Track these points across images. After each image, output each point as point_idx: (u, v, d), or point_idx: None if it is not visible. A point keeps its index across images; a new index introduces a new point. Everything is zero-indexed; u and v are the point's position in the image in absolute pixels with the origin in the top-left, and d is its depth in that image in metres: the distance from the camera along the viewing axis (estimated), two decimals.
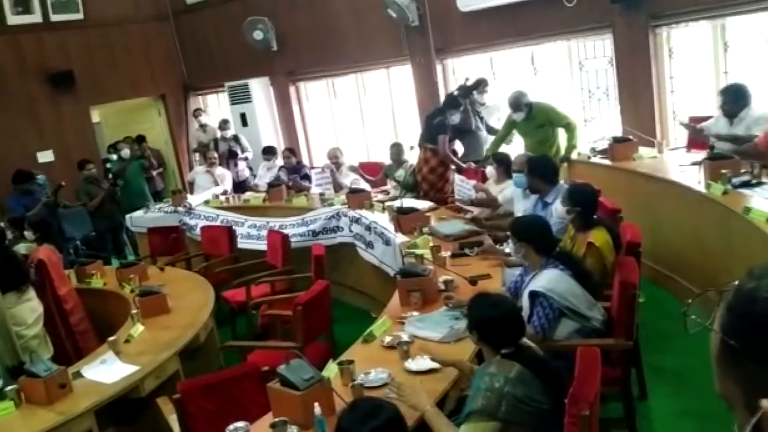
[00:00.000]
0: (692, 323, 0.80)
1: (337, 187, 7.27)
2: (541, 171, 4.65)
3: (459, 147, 7.04)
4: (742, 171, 4.63)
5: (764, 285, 0.68)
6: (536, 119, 6.37)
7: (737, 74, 6.39)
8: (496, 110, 7.33)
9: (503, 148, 6.63)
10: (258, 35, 9.43)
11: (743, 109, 5.17)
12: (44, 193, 8.12)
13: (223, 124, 9.50)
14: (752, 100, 5.20)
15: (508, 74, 7.89)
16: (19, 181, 8.09)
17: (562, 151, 6.39)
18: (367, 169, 7.69)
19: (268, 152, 8.59)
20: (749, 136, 4.95)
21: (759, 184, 4.46)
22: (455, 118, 6.67)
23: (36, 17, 9.60)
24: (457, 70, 8.43)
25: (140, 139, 10.11)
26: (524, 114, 6.36)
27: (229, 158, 9.26)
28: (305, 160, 9.43)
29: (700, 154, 5.23)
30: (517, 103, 6.36)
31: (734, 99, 5.21)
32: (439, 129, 6.55)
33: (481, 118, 7.12)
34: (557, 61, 7.66)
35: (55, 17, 9.75)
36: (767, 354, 0.66)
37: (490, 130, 7.08)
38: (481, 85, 7.19)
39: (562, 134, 6.42)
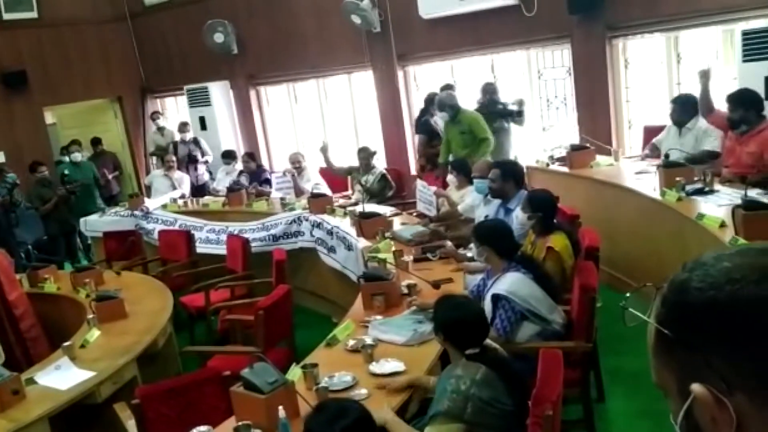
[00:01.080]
0: (630, 316, 0.83)
1: (299, 191, 7.23)
2: (514, 175, 4.70)
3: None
4: (696, 179, 4.76)
5: (696, 276, 0.71)
6: (461, 125, 6.58)
7: (689, 85, 6.58)
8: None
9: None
10: (218, 38, 9.34)
11: (691, 119, 5.35)
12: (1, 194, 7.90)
13: (182, 127, 9.39)
14: (699, 111, 5.40)
15: (468, 82, 7.97)
16: None
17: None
18: (327, 177, 7.68)
19: (228, 156, 8.51)
20: (705, 152, 5.15)
21: (711, 191, 4.61)
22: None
23: None
24: (418, 77, 8.48)
25: (95, 142, 9.91)
26: (447, 115, 6.57)
27: (189, 162, 9.14)
28: (265, 165, 9.36)
29: (655, 162, 5.37)
30: (441, 103, 6.61)
31: (682, 109, 5.40)
32: (421, 128, 6.64)
33: (509, 113, 6.93)
34: (517, 70, 7.78)
35: (7, 15, 9.50)
36: (698, 342, 0.69)
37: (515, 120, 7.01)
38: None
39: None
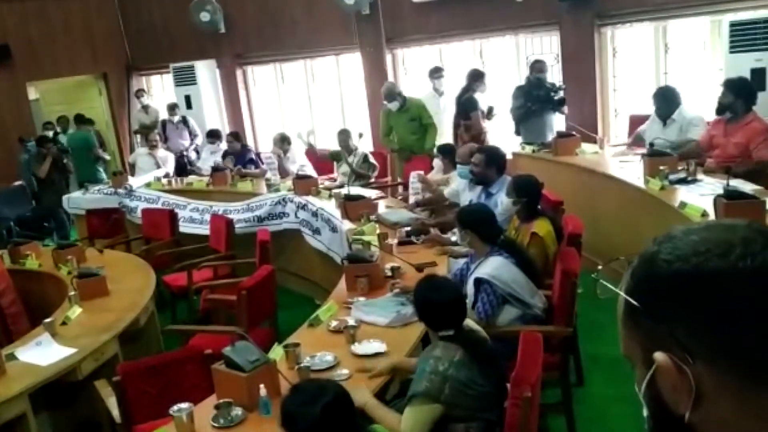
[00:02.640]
0: (602, 287, 0.86)
1: (284, 172, 7.21)
2: (497, 161, 4.70)
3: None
4: (679, 168, 4.81)
5: (664, 249, 0.74)
6: (409, 112, 6.77)
7: (676, 75, 6.63)
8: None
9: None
10: (205, 16, 9.24)
11: (674, 111, 5.39)
12: None
13: (171, 110, 9.25)
14: (682, 101, 5.43)
15: (456, 66, 7.95)
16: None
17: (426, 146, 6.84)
18: (313, 159, 7.67)
19: (213, 135, 8.45)
20: (687, 140, 5.18)
21: (694, 180, 4.66)
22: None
23: None
24: (406, 60, 8.46)
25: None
26: (398, 103, 6.72)
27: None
28: (251, 145, 9.30)
29: (640, 151, 5.41)
30: (391, 93, 6.73)
31: (664, 101, 5.44)
32: (468, 105, 6.63)
33: (550, 100, 6.54)
34: (505, 55, 7.78)
35: None
36: (663, 312, 0.71)
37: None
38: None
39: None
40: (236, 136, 8.21)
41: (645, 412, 0.77)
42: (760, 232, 0.72)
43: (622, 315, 0.78)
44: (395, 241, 4.59)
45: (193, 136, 9.19)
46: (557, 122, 6.70)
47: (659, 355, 0.71)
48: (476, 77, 6.82)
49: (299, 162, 7.48)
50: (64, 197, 7.84)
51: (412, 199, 5.87)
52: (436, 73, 7.22)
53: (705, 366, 0.69)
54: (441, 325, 2.68)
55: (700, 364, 0.69)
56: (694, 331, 0.69)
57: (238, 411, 2.63)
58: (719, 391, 0.69)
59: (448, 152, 5.76)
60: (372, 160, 6.89)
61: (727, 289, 0.68)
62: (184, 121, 9.20)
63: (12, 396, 3.29)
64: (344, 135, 7.00)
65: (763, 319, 0.67)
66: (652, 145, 5.23)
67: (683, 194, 4.41)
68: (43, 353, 3.66)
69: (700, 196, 4.31)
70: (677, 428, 0.72)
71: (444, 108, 7.23)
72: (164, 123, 9.31)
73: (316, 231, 5.69)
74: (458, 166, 5.23)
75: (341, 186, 6.15)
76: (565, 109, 6.64)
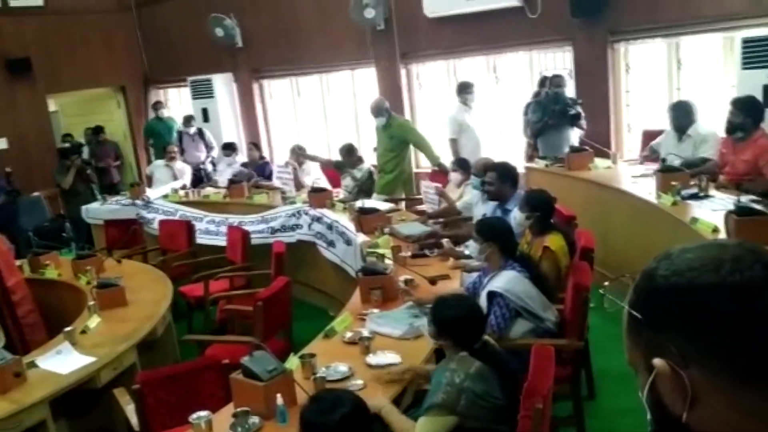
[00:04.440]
0: (608, 301, 0.96)
1: (299, 185, 7.29)
2: (510, 177, 4.73)
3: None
4: (692, 184, 4.83)
5: (662, 265, 0.82)
6: (391, 130, 6.91)
7: (689, 91, 6.65)
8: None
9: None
10: (223, 31, 9.39)
11: (690, 125, 5.42)
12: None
13: (187, 122, 9.37)
14: (698, 117, 5.47)
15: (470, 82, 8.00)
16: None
17: (406, 167, 7.10)
18: (327, 172, 7.75)
19: (228, 148, 8.56)
20: (701, 159, 5.22)
21: (706, 196, 4.68)
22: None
23: None
24: (421, 75, 8.54)
25: (98, 130, 9.94)
26: (384, 120, 6.85)
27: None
28: (267, 157, 9.40)
29: (653, 166, 5.44)
30: (378, 109, 6.86)
31: (682, 114, 5.48)
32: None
33: (566, 115, 6.54)
34: (519, 71, 7.84)
35: (14, 3, 9.53)
36: (662, 322, 0.80)
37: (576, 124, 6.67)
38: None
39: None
40: (256, 145, 8.35)
41: (648, 416, 0.84)
42: (750, 251, 0.80)
43: (626, 326, 0.86)
44: (409, 253, 4.64)
45: (209, 148, 9.30)
46: (575, 137, 6.72)
47: (658, 361, 0.79)
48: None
49: (314, 174, 7.56)
50: (83, 207, 7.97)
51: (426, 207, 5.94)
52: (466, 89, 7.23)
53: (698, 370, 0.76)
54: (470, 339, 2.71)
55: (695, 369, 0.76)
56: (688, 338, 0.77)
57: (255, 419, 2.69)
58: (712, 392, 0.76)
59: (463, 165, 5.82)
60: (375, 176, 6.94)
61: (716, 300, 0.76)
62: (200, 133, 9.32)
63: (33, 403, 3.36)
64: (343, 151, 7.10)
65: (747, 327, 0.74)
66: (664, 160, 5.26)
67: (695, 210, 4.44)
68: (63, 361, 3.74)
69: (712, 211, 4.33)
70: (676, 429, 0.79)
71: (473, 123, 7.26)
72: (180, 135, 9.43)
73: (331, 243, 5.75)
74: (472, 177, 5.28)
75: (345, 201, 6.22)
76: (583, 123, 6.66)
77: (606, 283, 1.00)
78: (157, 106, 10.27)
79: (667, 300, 0.79)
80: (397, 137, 6.93)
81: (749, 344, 0.74)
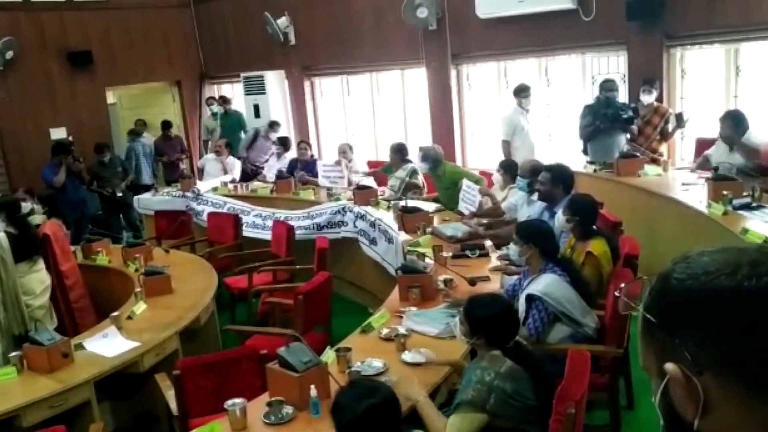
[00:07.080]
0: (623, 304, 0.94)
1: (348, 182, 7.30)
2: (563, 180, 4.64)
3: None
4: (744, 194, 4.70)
5: (678, 269, 0.80)
6: (443, 179, 6.46)
7: (747, 99, 6.46)
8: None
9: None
10: (277, 28, 9.53)
11: (741, 136, 5.27)
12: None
13: (271, 127, 9.07)
14: (750, 126, 5.31)
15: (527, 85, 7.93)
16: (56, 152, 8.40)
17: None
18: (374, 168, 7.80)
19: (281, 144, 8.65)
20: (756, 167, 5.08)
21: (759, 207, 4.54)
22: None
23: None
24: (471, 77, 8.50)
25: (166, 126, 10.10)
26: (426, 167, 6.43)
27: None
28: (315, 155, 9.47)
29: (706, 174, 5.30)
30: (424, 155, 6.43)
31: (733, 125, 5.33)
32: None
33: (618, 119, 6.40)
34: (571, 74, 7.74)
35: None
36: (675, 326, 0.77)
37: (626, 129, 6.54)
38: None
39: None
40: (308, 144, 8.39)
41: (661, 421, 0.82)
42: None
43: (640, 328, 0.84)
44: (450, 253, 4.64)
45: (273, 155, 8.90)
46: (621, 143, 6.59)
47: (670, 366, 0.77)
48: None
49: (361, 171, 7.60)
50: (135, 198, 8.19)
51: (461, 206, 5.85)
52: (523, 92, 7.15)
53: (712, 377, 0.74)
54: (504, 338, 2.70)
55: (708, 375, 0.74)
56: (701, 343, 0.74)
57: (288, 409, 2.73)
58: (725, 401, 0.73)
59: (510, 168, 5.77)
60: (418, 177, 6.85)
61: (731, 305, 0.73)
62: (282, 142, 8.76)
63: (79, 383, 3.49)
64: (391, 150, 7.05)
65: (763, 335, 0.71)
66: (716, 169, 5.13)
67: (747, 220, 4.32)
68: (108, 345, 3.86)
69: (765, 223, 4.21)
70: None
71: (529, 126, 7.19)
72: (256, 134, 9.21)
73: (373, 241, 5.78)
74: (518, 178, 5.23)
75: (389, 199, 6.21)
76: (635, 128, 6.52)
77: (622, 285, 0.97)
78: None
79: (681, 304, 0.77)
80: (453, 186, 6.39)
81: (764, 353, 0.71)
